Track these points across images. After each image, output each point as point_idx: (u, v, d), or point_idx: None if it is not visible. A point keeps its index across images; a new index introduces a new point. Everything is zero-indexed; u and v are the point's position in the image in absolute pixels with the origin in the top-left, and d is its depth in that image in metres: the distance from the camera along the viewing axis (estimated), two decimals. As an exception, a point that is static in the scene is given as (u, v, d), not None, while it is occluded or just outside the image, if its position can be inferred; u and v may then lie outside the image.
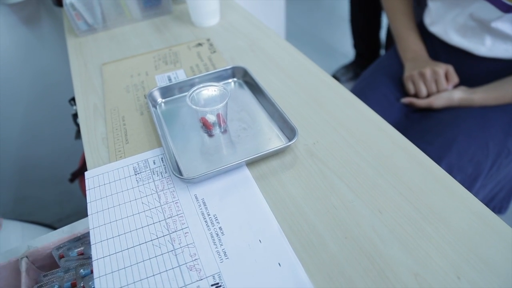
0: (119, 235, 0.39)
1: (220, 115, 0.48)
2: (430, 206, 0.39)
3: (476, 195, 0.78)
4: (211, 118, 0.48)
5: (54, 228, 0.93)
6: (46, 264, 0.49)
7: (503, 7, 0.71)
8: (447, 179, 0.42)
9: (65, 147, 1.15)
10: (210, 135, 0.50)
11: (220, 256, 0.36)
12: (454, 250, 0.35)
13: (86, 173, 0.46)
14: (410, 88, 0.85)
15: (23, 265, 0.46)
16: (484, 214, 0.38)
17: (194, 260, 0.36)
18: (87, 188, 0.44)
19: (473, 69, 0.83)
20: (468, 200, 0.40)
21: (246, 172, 0.44)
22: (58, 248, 0.47)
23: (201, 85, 0.50)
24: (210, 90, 0.50)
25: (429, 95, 0.83)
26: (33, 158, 1.14)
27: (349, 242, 0.37)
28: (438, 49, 0.89)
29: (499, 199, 0.88)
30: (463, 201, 0.40)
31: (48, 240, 0.48)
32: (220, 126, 0.49)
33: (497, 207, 0.89)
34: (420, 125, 0.81)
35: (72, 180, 1.04)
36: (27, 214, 1.20)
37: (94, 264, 0.37)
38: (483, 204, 0.39)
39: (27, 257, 0.47)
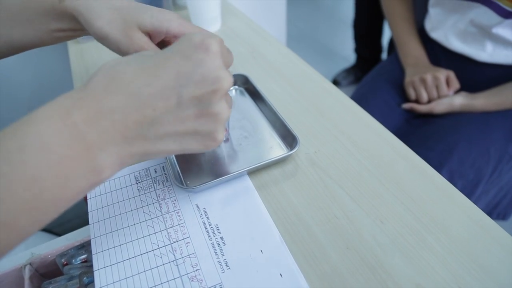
0: (120, 245, 0.39)
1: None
2: (432, 215, 0.39)
3: (477, 201, 0.78)
4: None
5: (55, 233, 0.93)
6: (49, 271, 0.49)
7: (502, 12, 0.72)
8: (448, 188, 0.42)
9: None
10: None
11: (221, 267, 0.36)
12: (456, 260, 0.35)
13: (87, 181, 0.46)
14: (411, 93, 0.85)
15: (27, 272, 0.46)
16: (486, 223, 0.38)
17: (196, 270, 0.36)
18: (88, 197, 0.44)
19: (474, 75, 0.83)
20: (470, 209, 0.40)
21: (247, 181, 0.44)
22: (62, 255, 0.47)
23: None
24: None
25: (430, 100, 0.83)
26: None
27: (350, 252, 0.37)
28: (439, 54, 0.89)
29: (503, 206, 0.87)
30: (464, 210, 0.40)
31: (51, 247, 0.48)
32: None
33: (501, 214, 0.89)
34: (421, 130, 0.81)
35: (73, 185, 1.04)
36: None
37: (96, 274, 0.37)
38: (484, 213, 0.39)
39: (30, 264, 0.47)
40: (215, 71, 0.28)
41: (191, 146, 0.30)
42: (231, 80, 0.29)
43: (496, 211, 0.89)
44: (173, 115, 0.27)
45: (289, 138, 0.48)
